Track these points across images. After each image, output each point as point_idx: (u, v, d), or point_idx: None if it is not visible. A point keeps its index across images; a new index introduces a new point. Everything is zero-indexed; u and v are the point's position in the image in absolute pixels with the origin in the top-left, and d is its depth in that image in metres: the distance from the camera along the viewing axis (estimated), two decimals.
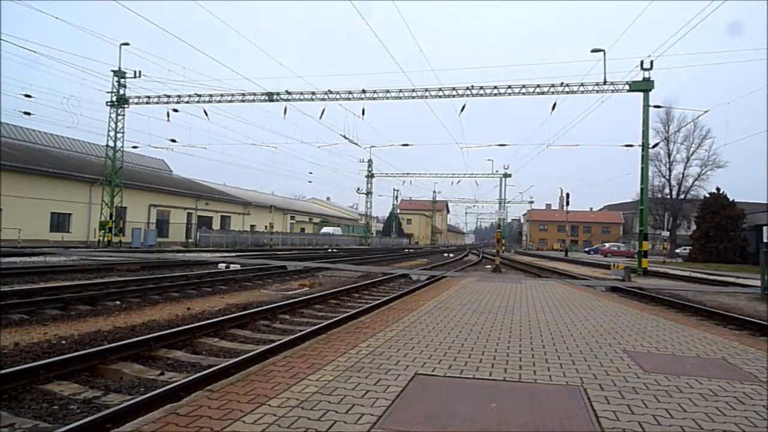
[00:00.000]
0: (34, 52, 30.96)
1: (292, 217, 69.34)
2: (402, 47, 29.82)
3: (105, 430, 3.42)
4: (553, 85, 25.77)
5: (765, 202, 46.43)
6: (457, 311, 7.63)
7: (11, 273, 13.08)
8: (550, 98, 26.44)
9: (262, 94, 29.62)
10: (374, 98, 28.67)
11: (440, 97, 27.69)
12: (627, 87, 24.08)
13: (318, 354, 4.56)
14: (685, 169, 57.92)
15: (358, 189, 67.06)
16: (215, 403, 3.18)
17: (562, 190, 66.64)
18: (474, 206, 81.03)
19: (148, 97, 30.92)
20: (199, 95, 30.14)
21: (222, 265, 17.85)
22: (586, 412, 3.25)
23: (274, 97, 29.41)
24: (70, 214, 34.74)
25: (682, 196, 57.85)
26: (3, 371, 4.56)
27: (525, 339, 5.61)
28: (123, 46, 30.29)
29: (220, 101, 30.17)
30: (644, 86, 23.36)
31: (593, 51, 23.86)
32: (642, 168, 24.20)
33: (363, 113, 30.08)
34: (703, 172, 56.30)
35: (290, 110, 30.19)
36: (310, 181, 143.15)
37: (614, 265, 22.99)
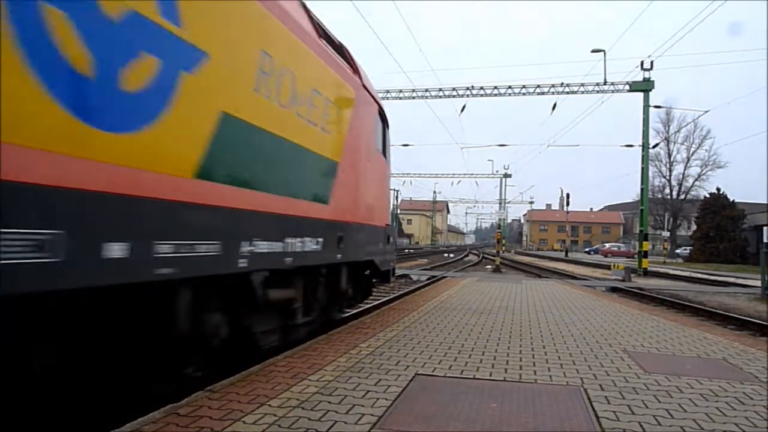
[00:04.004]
0: None
1: None
2: (402, 47, 29.82)
3: (105, 430, 3.42)
4: (553, 86, 25.76)
5: (765, 202, 46.39)
6: (458, 311, 7.63)
7: None
8: (551, 98, 26.43)
9: None
10: None
11: (440, 97, 27.68)
12: (627, 87, 24.06)
13: (318, 354, 4.56)
14: (685, 170, 58.06)
15: None
16: (215, 403, 3.18)
17: (562, 191, 66.59)
18: (474, 206, 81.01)
19: None
20: None
21: None
22: (586, 412, 3.25)
23: None
24: None
25: (682, 197, 57.88)
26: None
27: (525, 339, 5.61)
28: None
29: None
30: (644, 86, 23.36)
31: (593, 51, 23.85)
32: (642, 168, 24.20)
33: None
34: (704, 172, 56.43)
35: None
36: None
37: (614, 265, 22.98)
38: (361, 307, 8.67)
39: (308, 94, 4.79)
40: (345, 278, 6.51)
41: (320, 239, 5.08)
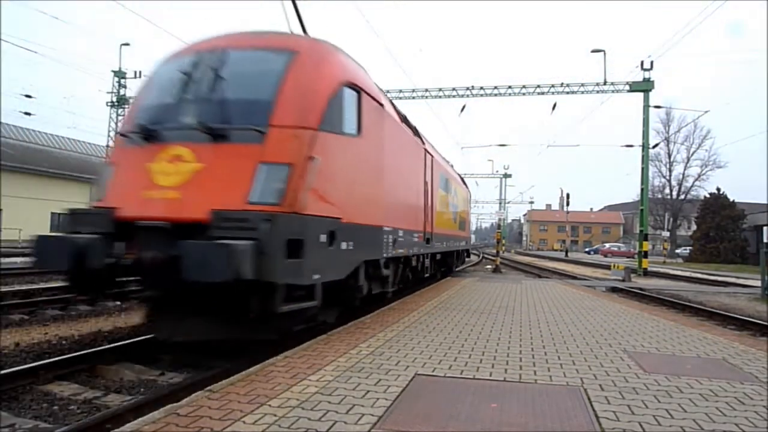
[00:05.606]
0: (35, 52, 31.06)
1: None
2: (402, 47, 29.81)
3: (105, 430, 3.42)
4: (553, 86, 25.72)
5: (765, 202, 46.41)
6: (458, 311, 7.63)
7: (11, 273, 13.08)
8: (551, 98, 26.41)
9: None
10: None
11: (440, 97, 27.62)
12: (627, 87, 24.03)
13: (318, 354, 4.56)
14: (685, 170, 58.13)
15: None
16: (215, 403, 3.18)
17: (562, 191, 66.40)
18: (474, 206, 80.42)
19: None
20: None
21: None
22: (586, 412, 3.25)
23: None
24: None
25: (682, 197, 57.93)
26: (3, 371, 4.57)
27: (525, 339, 5.61)
28: (123, 46, 30.39)
29: None
30: (644, 86, 23.33)
31: (593, 51, 23.83)
32: (642, 168, 24.19)
33: None
34: (704, 172, 56.48)
35: None
36: None
37: (614, 265, 22.98)
38: (458, 268, 20.27)
39: (461, 198, 17.70)
40: (464, 255, 22.02)
41: (464, 242, 18.90)
